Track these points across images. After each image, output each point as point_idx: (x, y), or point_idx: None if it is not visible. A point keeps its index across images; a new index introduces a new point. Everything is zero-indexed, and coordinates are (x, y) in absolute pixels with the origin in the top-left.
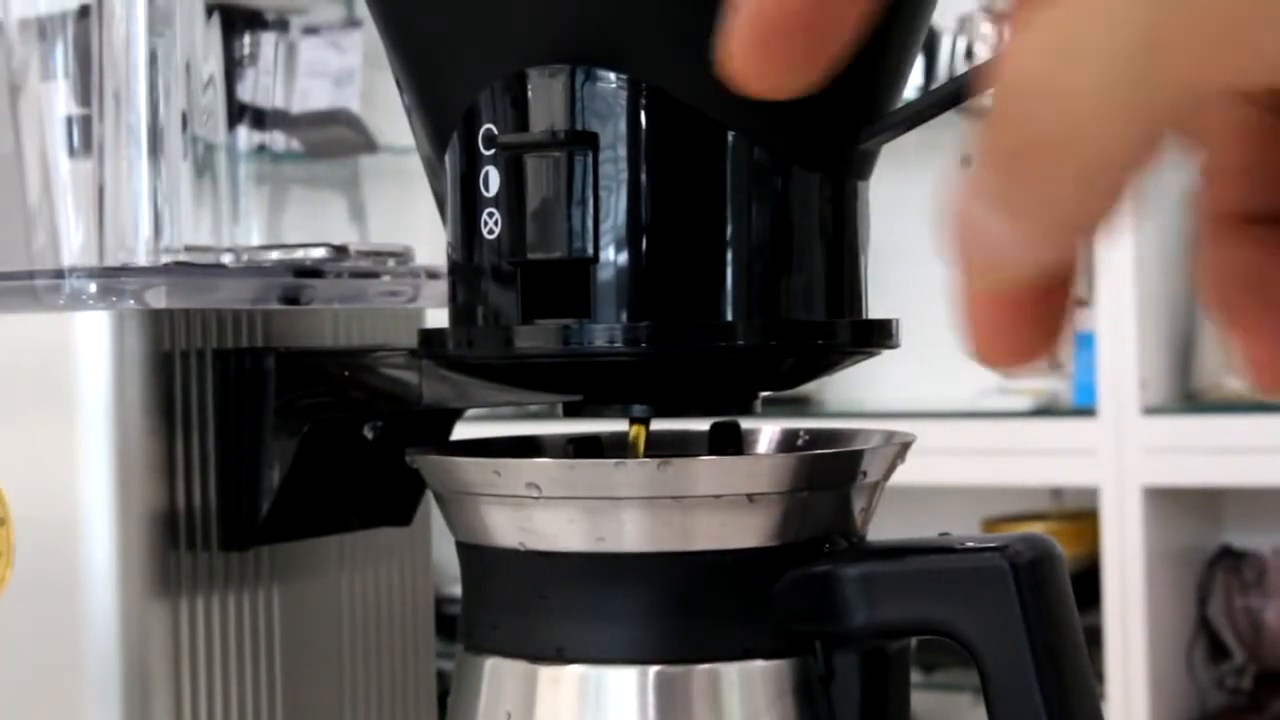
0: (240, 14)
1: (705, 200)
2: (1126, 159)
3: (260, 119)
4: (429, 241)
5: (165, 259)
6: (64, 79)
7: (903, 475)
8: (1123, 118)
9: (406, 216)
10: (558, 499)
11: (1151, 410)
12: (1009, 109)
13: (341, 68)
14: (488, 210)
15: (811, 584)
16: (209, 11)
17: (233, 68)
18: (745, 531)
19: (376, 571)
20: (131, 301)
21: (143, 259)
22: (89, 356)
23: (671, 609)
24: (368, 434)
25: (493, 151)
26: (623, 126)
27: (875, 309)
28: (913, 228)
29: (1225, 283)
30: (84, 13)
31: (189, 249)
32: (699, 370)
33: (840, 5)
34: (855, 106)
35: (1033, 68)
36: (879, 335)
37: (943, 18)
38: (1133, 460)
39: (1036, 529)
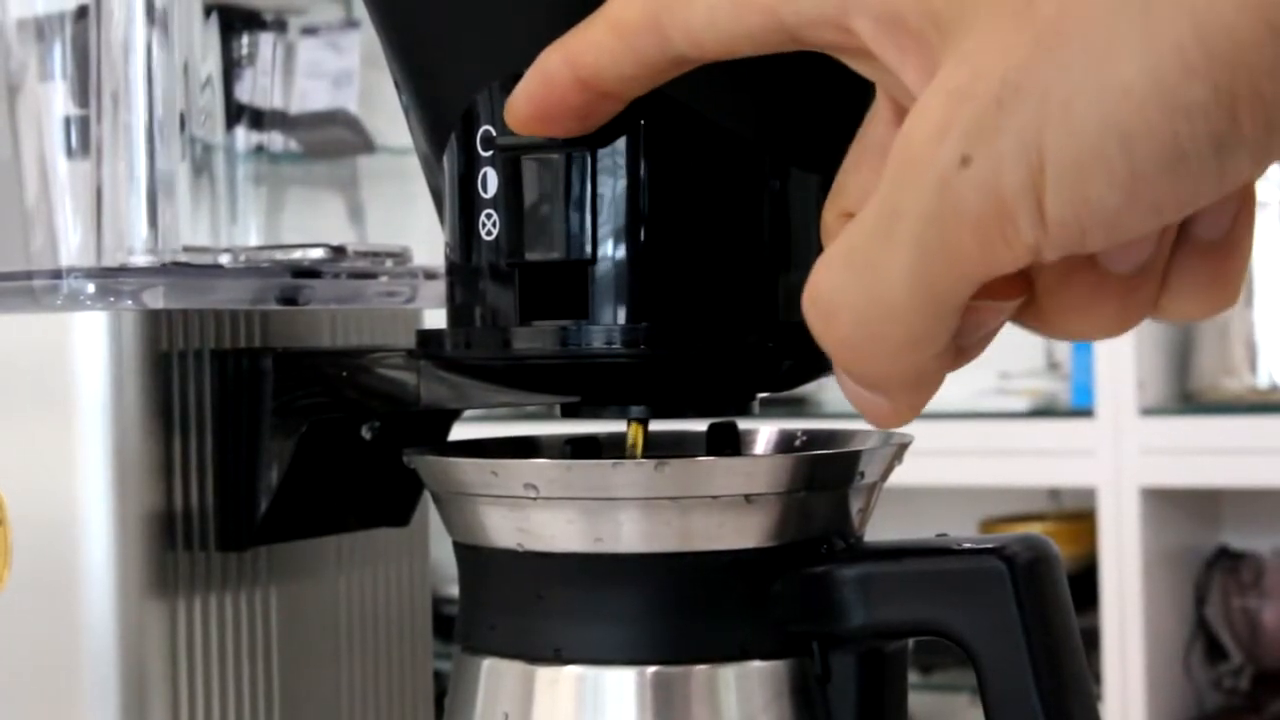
0: (238, 14)
1: (703, 201)
2: (922, 339)
3: (258, 119)
4: (427, 242)
5: (163, 259)
6: (62, 79)
7: (900, 476)
8: (908, 313)
9: (404, 217)
10: (555, 499)
11: (1149, 411)
12: (816, 313)
13: (340, 68)
14: (486, 211)
15: (809, 585)
16: (207, 12)
17: (231, 68)
18: (743, 532)
19: (374, 572)
20: (129, 302)
21: (140, 259)
22: (87, 357)
23: (669, 610)
24: (365, 434)
25: (491, 153)
26: (620, 127)
27: None
28: None
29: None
30: (82, 13)
31: (187, 249)
32: (697, 371)
33: (598, 99)
34: (853, 107)
35: (831, 280)
36: None
37: None
38: (1130, 461)
39: (1034, 530)
